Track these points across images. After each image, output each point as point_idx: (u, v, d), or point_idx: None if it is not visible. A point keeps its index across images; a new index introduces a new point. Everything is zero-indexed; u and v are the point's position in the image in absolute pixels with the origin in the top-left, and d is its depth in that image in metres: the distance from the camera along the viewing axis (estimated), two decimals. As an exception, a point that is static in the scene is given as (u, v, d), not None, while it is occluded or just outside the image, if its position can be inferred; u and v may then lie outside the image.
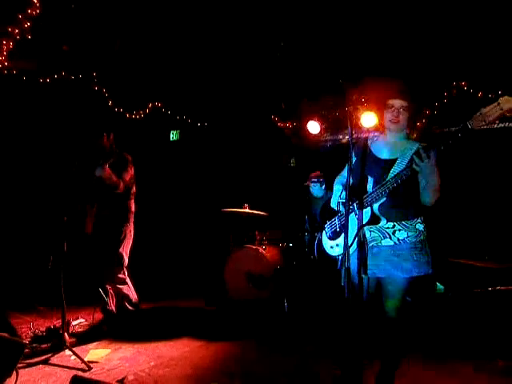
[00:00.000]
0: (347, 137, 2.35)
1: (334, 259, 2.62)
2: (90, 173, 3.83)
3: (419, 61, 5.12)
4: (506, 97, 2.01)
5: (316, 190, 4.97)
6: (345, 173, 2.76)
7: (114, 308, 3.95)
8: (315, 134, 6.11)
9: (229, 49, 5.67)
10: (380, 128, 2.59)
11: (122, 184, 3.83)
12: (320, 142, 6.35)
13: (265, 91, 6.35)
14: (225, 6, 5.12)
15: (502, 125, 4.96)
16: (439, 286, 4.16)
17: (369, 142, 2.61)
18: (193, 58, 5.90)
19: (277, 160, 6.57)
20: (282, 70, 5.88)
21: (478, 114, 2.05)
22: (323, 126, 6.11)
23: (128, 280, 4.08)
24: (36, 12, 4.16)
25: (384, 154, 2.49)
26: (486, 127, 2.05)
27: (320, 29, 5.15)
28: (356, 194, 2.41)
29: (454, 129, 2.10)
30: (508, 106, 2.00)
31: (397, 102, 2.42)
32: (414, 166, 2.18)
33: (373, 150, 2.54)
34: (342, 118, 5.88)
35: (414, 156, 2.18)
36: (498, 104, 2.02)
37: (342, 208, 2.57)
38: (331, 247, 2.65)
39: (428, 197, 2.32)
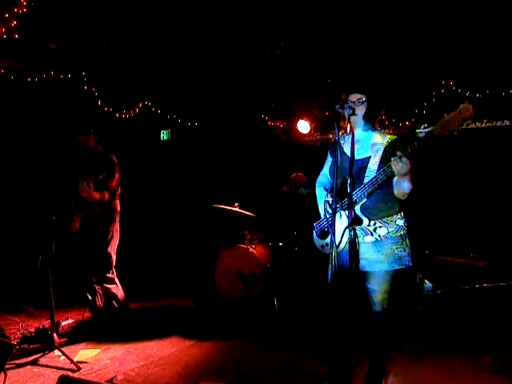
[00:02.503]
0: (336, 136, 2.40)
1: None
2: (76, 175, 3.83)
3: (407, 60, 5.17)
4: (466, 104, 2.07)
5: (300, 191, 5.06)
6: (325, 172, 2.83)
7: (102, 307, 3.94)
8: (305, 133, 6.15)
9: (219, 48, 5.67)
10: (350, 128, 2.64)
11: (106, 195, 3.85)
12: (310, 141, 6.39)
13: (255, 91, 6.36)
14: (215, 6, 5.12)
15: (489, 124, 5.03)
16: (428, 283, 4.21)
17: (341, 141, 2.66)
18: (183, 57, 5.90)
19: (267, 159, 6.58)
20: (272, 70, 5.89)
21: (442, 120, 2.11)
22: (313, 126, 6.15)
23: (116, 280, 4.08)
24: (23, 11, 4.13)
25: (357, 153, 2.53)
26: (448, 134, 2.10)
27: (309, 28, 5.16)
28: (339, 195, 2.46)
29: (422, 131, 2.16)
30: (468, 113, 2.05)
31: (353, 96, 2.49)
32: (393, 167, 2.22)
33: (345, 149, 2.60)
34: (331, 117, 5.91)
35: (391, 162, 2.22)
36: (460, 112, 2.07)
37: (327, 207, 2.62)
38: (322, 246, 2.70)
39: (401, 190, 2.36)
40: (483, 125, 5.07)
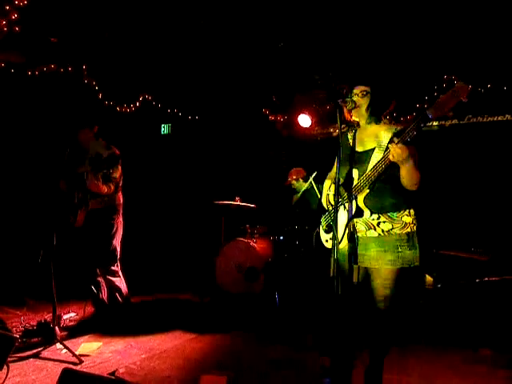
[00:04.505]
0: (338, 130, 2.37)
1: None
2: (77, 167, 3.83)
3: (409, 54, 5.15)
4: (460, 83, 2.02)
5: (298, 186, 5.07)
6: (335, 168, 2.79)
7: (105, 299, 3.95)
8: (306, 128, 6.13)
9: (220, 42, 5.64)
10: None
11: (112, 187, 3.84)
12: (311, 135, 6.38)
13: (256, 84, 6.34)
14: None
15: (491, 118, 5.03)
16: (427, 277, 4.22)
17: (349, 135, 2.63)
18: (184, 51, 5.87)
19: (268, 153, 6.58)
20: (273, 63, 5.87)
21: (436, 101, 2.06)
22: (314, 120, 6.13)
23: (120, 273, 4.08)
24: (23, 3, 4.09)
25: (362, 146, 2.51)
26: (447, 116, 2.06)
27: (310, 22, 5.14)
28: (344, 187, 2.43)
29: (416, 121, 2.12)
30: (463, 91, 2.00)
31: (356, 89, 2.47)
32: (389, 155, 2.19)
33: (351, 142, 2.57)
34: (332, 111, 5.90)
35: (388, 148, 2.19)
36: (454, 91, 2.02)
37: (330, 200, 2.63)
38: (326, 241, 2.68)
39: (407, 179, 2.30)
40: (485, 119, 5.07)
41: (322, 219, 2.73)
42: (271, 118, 6.79)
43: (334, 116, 2.40)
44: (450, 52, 4.99)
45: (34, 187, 5.24)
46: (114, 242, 3.98)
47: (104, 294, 3.94)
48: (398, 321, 2.56)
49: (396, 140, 2.16)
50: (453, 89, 2.02)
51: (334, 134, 6.06)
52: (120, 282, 4.06)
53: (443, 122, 5.23)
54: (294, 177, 5.02)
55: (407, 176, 2.28)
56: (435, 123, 5.22)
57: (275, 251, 4.98)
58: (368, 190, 2.36)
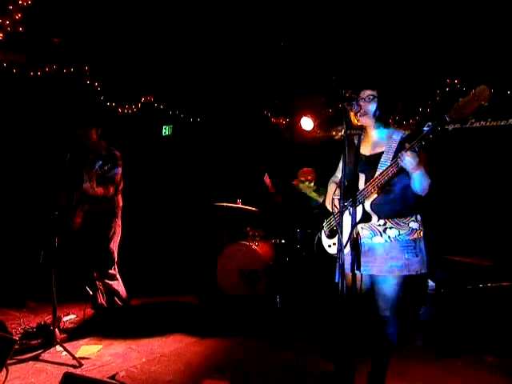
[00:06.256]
0: (340, 133, 2.35)
1: (333, 257, 2.61)
2: (79, 168, 3.81)
3: (412, 58, 5.14)
4: (482, 86, 1.97)
5: (305, 187, 5.05)
6: (338, 173, 2.77)
7: (104, 303, 3.93)
8: (308, 131, 6.12)
9: (223, 44, 5.64)
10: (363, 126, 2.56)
11: (111, 189, 3.78)
12: (313, 138, 6.36)
13: (258, 86, 6.33)
14: (218, 1, 5.08)
15: (494, 123, 5.01)
16: (430, 283, 4.19)
17: (355, 139, 2.60)
18: (186, 52, 5.87)
19: (269, 155, 6.56)
20: (276, 66, 5.86)
21: (456, 106, 2.01)
22: (316, 123, 6.12)
23: (118, 276, 4.05)
24: (27, 3, 4.08)
25: (369, 150, 2.47)
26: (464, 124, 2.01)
27: (313, 24, 5.13)
28: (349, 191, 2.39)
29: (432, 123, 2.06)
30: (484, 95, 1.95)
31: (364, 93, 2.42)
32: (399, 162, 2.15)
33: (358, 146, 2.53)
34: (335, 114, 5.90)
35: (398, 155, 2.15)
36: (474, 95, 1.97)
37: (336, 204, 2.59)
38: (329, 246, 2.64)
39: (418, 185, 2.25)
40: (488, 124, 5.05)
41: (324, 224, 2.70)
42: (273, 120, 6.78)
43: (336, 119, 2.37)
44: (452, 56, 4.98)
45: (34, 188, 5.22)
46: (112, 245, 3.95)
47: (102, 298, 3.92)
48: (402, 327, 2.52)
49: (408, 145, 2.11)
50: (473, 92, 1.97)
51: (336, 137, 6.03)
52: (118, 285, 4.03)
53: (446, 126, 5.21)
54: (302, 178, 5.00)
55: (418, 182, 2.23)
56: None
57: (277, 254, 4.95)
58: (376, 195, 2.31)
